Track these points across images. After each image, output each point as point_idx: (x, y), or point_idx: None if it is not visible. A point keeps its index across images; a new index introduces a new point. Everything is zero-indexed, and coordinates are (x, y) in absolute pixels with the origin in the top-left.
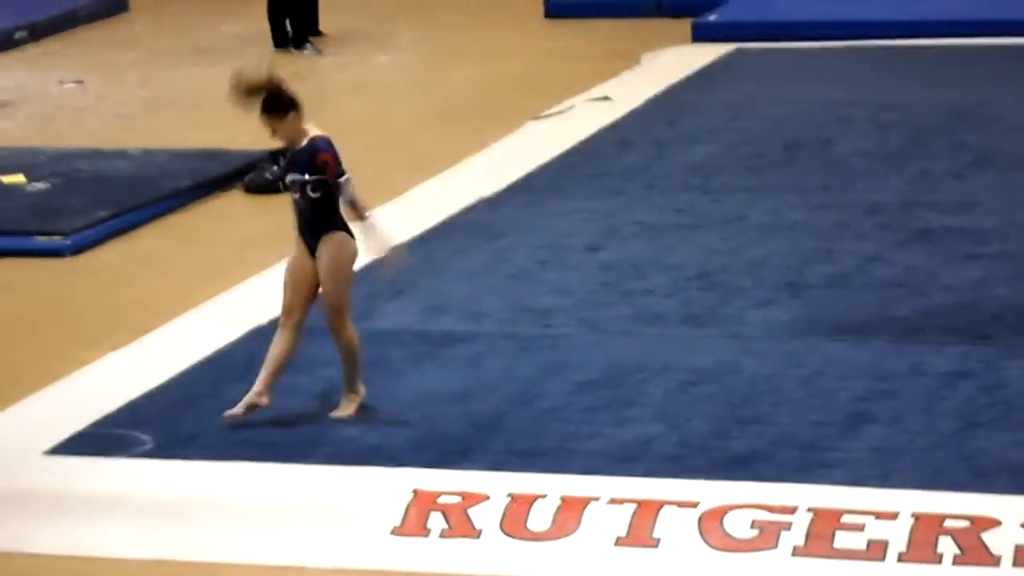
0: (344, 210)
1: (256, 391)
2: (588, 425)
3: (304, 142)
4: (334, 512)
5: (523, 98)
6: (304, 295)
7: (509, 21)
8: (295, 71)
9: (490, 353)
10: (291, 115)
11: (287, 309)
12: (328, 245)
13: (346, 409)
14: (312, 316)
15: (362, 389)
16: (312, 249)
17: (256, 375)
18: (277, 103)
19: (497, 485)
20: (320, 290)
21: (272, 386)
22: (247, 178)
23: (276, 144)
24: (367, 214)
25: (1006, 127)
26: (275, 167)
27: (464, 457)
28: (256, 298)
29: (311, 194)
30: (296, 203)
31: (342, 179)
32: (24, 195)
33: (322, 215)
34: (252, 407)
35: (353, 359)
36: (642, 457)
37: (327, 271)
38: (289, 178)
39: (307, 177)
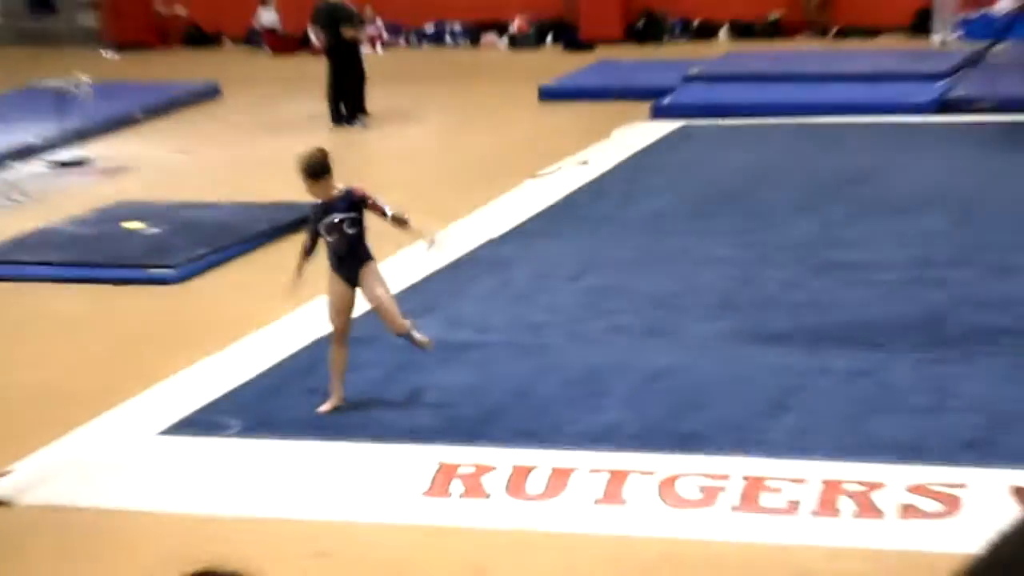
0: (390, 223)
1: (339, 396)
2: (571, 412)
3: (335, 192)
4: (377, 479)
5: (522, 162)
6: (349, 316)
7: (512, 103)
8: (348, 141)
9: (496, 358)
10: (325, 177)
11: (341, 331)
12: (371, 269)
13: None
14: (365, 328)
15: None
16: (350, 279)
17: (318, 375)
18: (317, 169)
19: (502, 459)
20: (377, 302)
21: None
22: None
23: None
24: (406, 219)
25: (887, 184)
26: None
27: (477, 437)
28: (316, 315)
29: (348, 231)
30: (333, 243)
31: (380, 200)
32: (142, 237)
33: (358, 248)
34: (336, 406)
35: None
36: (613, 437)
37: (383, 284)
38: (333, 218)
39: (348, 214)
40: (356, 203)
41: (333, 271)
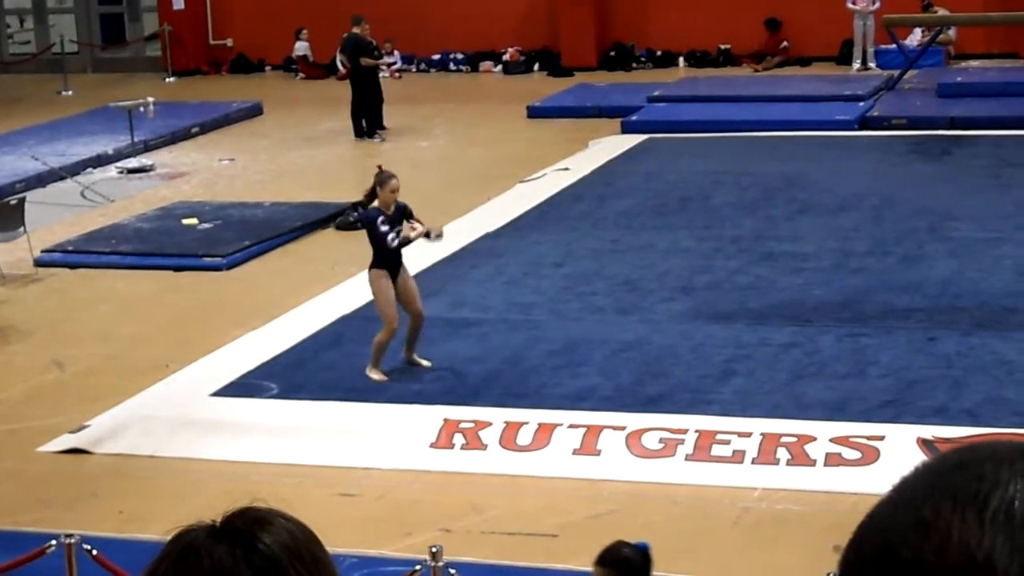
0: (417, 235)
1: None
2: (555, 377)
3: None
4: (392, 433)
5: (513, 169)
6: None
7: (504, 120)
8: (368, 152)
9: (492, 332)
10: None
11: (396, 317)
12: (406, 271)
13: (425, 361)
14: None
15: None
16: (393, 276)
17: (342, 347)
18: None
19: (497, 416)
20: (414, 295)
21: None
22: (337, 220)
23: (356, 199)
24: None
25: (819, 188)
26: (355, 213)
27: (476, 398)
28: (342, 297)
29: (401, 236)
30: (396, 244)
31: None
32: (196, 231)
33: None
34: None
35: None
36: (589, 398)
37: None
38: (399, 224)
39: (402, 223)
40: (407, 215)
41: (383, 270)
